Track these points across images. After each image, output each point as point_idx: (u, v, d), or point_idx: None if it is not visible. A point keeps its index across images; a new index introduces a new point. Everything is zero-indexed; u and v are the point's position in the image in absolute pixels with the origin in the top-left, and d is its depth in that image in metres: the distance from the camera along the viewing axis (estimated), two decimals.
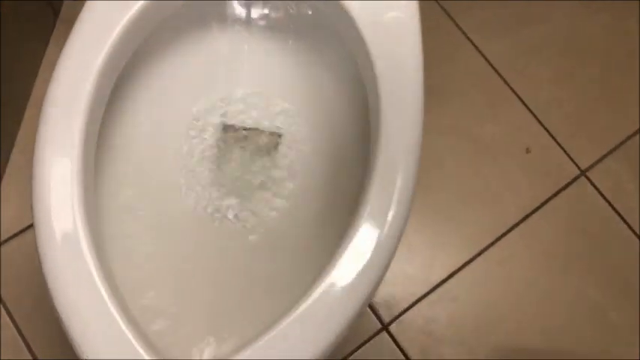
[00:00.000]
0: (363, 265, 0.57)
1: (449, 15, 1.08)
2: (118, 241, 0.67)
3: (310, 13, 0.77)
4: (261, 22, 0.78)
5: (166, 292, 0.68)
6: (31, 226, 0.88)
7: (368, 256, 0.57)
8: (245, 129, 0.79)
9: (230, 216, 0.73)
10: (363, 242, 0.58)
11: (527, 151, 1.02)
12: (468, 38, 1.07)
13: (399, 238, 0.61)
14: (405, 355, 0.89)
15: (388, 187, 0.61)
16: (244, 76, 0.80)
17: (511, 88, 1.05)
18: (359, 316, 0.57)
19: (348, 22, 0.66)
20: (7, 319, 0.85)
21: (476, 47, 1.07)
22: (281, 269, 0.72)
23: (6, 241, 0.89)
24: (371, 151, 0.65)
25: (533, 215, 0.98)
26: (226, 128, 0.79)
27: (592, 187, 1.00)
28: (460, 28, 1.08)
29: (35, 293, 0.85)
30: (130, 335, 0.53)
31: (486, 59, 1.06)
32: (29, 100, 0.96)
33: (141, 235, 0.71)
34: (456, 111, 1.02)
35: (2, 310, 0.85)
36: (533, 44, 1.08)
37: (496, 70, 1.06)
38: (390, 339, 0.90)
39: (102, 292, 0.54)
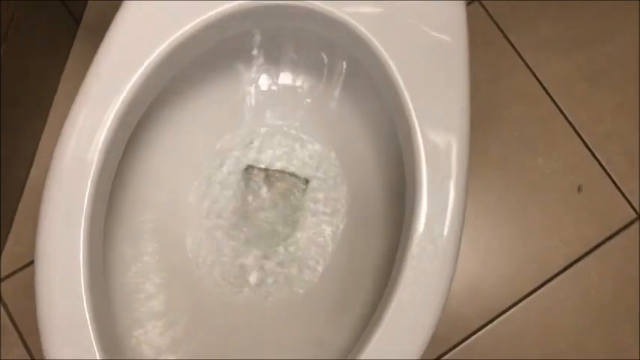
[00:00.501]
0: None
1: (502, 32, 0.99)
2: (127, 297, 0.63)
3: (345, 65, 0.70)
4: (291, 63, 0.71)
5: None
6: None
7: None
8: (270, 171, 0.74)
9: (252, 279, 0.69)
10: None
11: (580, 189, 0.93)
12: (522, 59, 0.98)
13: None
14: None
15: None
16: (270, 116, 0.74)
17: (566, 118, 0.96)
18: None
19: (387, 79, 0.59)
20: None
21: (530, 69, 0.98)
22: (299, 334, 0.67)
23: (25, 266, 0.87)
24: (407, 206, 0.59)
25: (581, 261, 0.90)
26: (249, 169, 0.74)
27: None
28: (514, 47, 0.99)
29: None
30: None
31: (541, 83, 0.97)
32: (51, 108, 0.92)
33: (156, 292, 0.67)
34: (504, 141, 0.94)
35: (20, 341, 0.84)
36: (596, 69, 0.98)
37: (551, 97, 0.97)
38: None
39: None
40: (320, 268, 0.71)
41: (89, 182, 0.55)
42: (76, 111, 0.56)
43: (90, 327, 0.51)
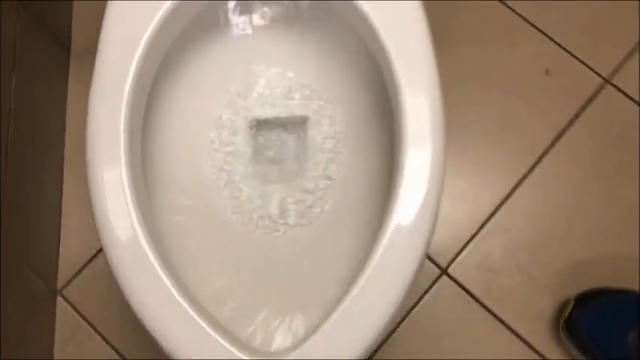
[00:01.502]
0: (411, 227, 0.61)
1: None
2: (173, 239, 0.72)
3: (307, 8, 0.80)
4: (264, 21, 0.81)
5: (230, 281, 0.74)
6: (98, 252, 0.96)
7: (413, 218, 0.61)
8: (272, 119, 0.83)
9: (274, 210, 0.78)
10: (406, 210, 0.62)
11: (547, 72, 1.02)
12: None
13: (437, 205, 0.64)
14: (469, 293, 0.93)
15: (421, 154, 0.64)
16: (258, 70, 0.83)
17: (521, 16, 1.05)
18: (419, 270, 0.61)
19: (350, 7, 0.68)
20: (105, 344, 0.93)
21: None
22: (335, 249, 0.76)
23: (81, 270, 0.96)
24: (394, 119, 0.68)
25: (566, 133, 0.99)
26: (253, 122, 0.83)
27: (619, 93, 1.01)
28: None
29: (121, 311, 0.93)
30: (216, 336, 0.58)
31: None
32: (65, 135, 1.01)
33: (192, 232, 0.76)
34: (472, 52, 1.03)
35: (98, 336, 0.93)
36: None
37: (504, 3, 1.06)
38: (451, 282, 0.94)
39: (172, 291, 0.59)
40: (330, 202, 0.79)
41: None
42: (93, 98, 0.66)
43: None
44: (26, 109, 0.88)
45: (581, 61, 1.03)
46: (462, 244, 0.95)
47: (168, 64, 0.76)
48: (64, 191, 0.98)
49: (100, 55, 0.67)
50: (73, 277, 0.95)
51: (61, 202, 0.98)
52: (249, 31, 0.82)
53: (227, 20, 0.80)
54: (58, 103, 1.01)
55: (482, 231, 0.96)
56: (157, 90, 0.76)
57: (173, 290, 0.59)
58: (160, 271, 0.60)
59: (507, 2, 1.06)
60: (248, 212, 0.78)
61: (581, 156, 0.99)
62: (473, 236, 0.96)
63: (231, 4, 0.79)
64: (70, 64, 1.04)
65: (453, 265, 0.95)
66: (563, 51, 1.03)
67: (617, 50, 1.03)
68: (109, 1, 0.69)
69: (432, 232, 0.63)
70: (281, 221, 0.77)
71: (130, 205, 0.62)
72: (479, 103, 1.01)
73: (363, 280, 0.59)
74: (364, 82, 0.81)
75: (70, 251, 0.96)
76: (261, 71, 0.82)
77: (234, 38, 0.82)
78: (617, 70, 1.02)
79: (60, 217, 0.97)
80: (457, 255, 0.95)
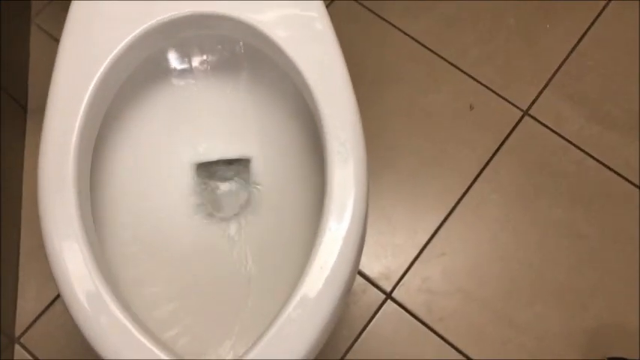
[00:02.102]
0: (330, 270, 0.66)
1: (370, 10, 1.19)
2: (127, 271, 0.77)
3: (243, 51, 0.87)
4: (204, 67, 0.88)
5: (176, 305, 0.79)
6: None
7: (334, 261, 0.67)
8: (216, 162, 0.89)
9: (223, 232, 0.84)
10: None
11: (471, 107, 1.12)
12: (393, 25, 1.18)
13: (362, 233, 0.70)
14: (413, 316, 0.99)
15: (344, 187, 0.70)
16: (204, 116, 0.90)
17: (442, 58, 1.16)
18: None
19: (273, 46, 0.77)
20: None
21: (402, 31, 1.18)
22: (271, 271, 0.82)
23: (38, 317, 0.99)
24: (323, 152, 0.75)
25: (492, 162, 1.08)
26: (200, 166, 0.89)
27: (537, 123, 1.11)
28: (383, 18, 1.19)
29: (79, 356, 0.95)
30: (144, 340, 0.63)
31: (414, 39, 1.17)
32: (22, 188, 1.06)
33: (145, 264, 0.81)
34: (399, 92, 1.13)
35: None
36: (451, 15, 1.19)
37: (425, 46, 1.16)
38: (396, 305, 0.99)
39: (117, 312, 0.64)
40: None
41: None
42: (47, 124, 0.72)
43: None
44: None
45: (501, 96, 1.13)
46: (404, 269, 1.02)
47: (112, 116, 0.82)
48: (21, 241, 1.02)
49: (47, 111, 0.73)
50: (31, 325, 0.98)
51: (18, 252, 1.01)
52: (191, 80, 0.89)
53: (168, 70, 0.87)
54: (16, 158, 1.06)
55: (422, 256, 1.03)
56: (103, 139, 0.82)
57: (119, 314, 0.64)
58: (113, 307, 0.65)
59: (428, 46, 1.16)
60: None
61: (506, 182, 1.07)
62: (413, 261, 1.02)
63: (171, 55, 0.86)
64: (27, 121, 1.10)
65: (396, 290, 1.01)
66: (484, 87, 1.13)
67: (532, 85, 1.13)
68: (58, 52, 0.76)
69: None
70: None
71: (85, 251, 0.67)
72: (411, 138, 1.10)
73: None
74: (295, 120, 0.88)
75: (28, 299, 0.99)
76: (204, 118, 0.90)
77: (177, 88, 0.89)
78: (533, 102, 1.12)
79: (17, 267, 1.00)
80: (400, 279, 1.01)
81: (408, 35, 1.17)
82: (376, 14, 1.19)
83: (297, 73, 0.75)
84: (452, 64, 1.15)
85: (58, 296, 0.99)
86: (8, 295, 0.98)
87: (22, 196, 1.05)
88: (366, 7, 1.19)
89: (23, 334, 0.97)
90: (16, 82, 1.10)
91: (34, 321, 0.98)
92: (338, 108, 0.74)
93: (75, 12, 0.78)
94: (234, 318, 0.78)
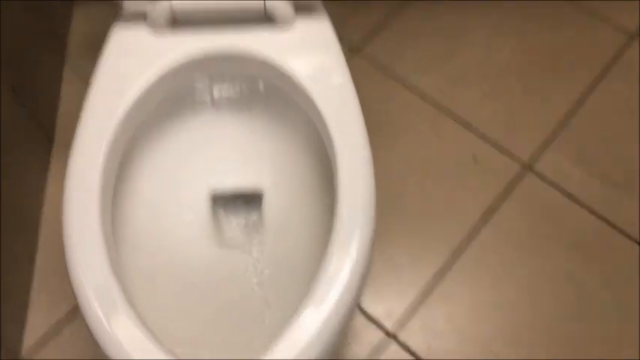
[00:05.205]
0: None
1: (377, 66, 1.26)
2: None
3: (263, 89, 0.93)
4: (224, 103, 0.94)
5: (192, 331, 0.81)
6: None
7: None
8: (230, 194, 0.93)
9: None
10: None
11: (475, 159, 1.17)
12: (400, 82, 1.25)
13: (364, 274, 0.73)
14: (414, 355, 1.00)
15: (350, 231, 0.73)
16: (221, 149, 0.95)
17: (448, 113, 1.21)
18: None
19: (297, 90, 0.83)
20: None
21: (409, 87, 1.24)
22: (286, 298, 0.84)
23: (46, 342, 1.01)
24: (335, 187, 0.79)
25: (496, 212, 1.12)
26: (216, 198, 0.93)
27: (538, 177, 1.15)
28: (392, 76, 1.26)
29: None
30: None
31: (421, 94, 1.23)
32: (41, 218, 1.10)
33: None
34: (407, 142, 1.18)
35: None
36: (457, 73, 1.26)
37: (431, 101, 1.22)
38: (397, 346, 1.01)
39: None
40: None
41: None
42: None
43: None
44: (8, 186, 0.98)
45: (504, 150, 1.17)
46: (407, 310, 1.04)
47: (133, 146, 0.86)
48: (35, 270, 1.05)
49: (76, 136, 0.78)
50: (38, 349, 1.00)
51: (31, 278, 1.04)
52: (209, 114, 0.94)
53: (190, 104, 0.92)
54: (38, 183, 1.10)
55: (428, 299, 1.05)
56: (124, 169, 0.86)
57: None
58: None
59: (435, 100, 1.22)
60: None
61: (508, 231, 1.10)
62: (416, 303, 1.04)
63: (194, 89, 0.91)
64: (53, 151, 1.15)
65: (398, 330, 1.02)
66: (487, 141, 1.18)
67: (536, 140, 1.18)
68: (90, 83, 0.82)
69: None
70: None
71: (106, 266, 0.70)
72: (417, 186, 1.14)
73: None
74: (308, 155, 0.92)
75: (37, 323, 1.01)
76: (221, 151, 0.95)
77: (196, 121, 0.94)
78: (536, 157, 1.17)
79: (29, 293, 1.03)
80: (402, 320, 1.03)
81: (415, 90, 1.24)
82: (383, 70, 1.26)
83: (317, 113, 0.81)
84: (457, 119, 1.21)
85: (68, 320, 1.01)
86: (17, 316, 1.00)
87: (39, 223, 1.09)
88: (376, 63, 1.26)
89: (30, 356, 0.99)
90: (46, 113, 1.15)
91: (42, 344, 1.00)
92: (352, 149, 0.78)
93: (111, 46, 0.85)
94: (251, 342, 0.81)
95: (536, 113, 1.21)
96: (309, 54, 0.86)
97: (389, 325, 1.02)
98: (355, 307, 0.74)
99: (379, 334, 1.02)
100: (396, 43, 1.28)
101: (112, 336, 0.66)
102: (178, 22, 0.87)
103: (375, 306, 1.03)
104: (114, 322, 0.67)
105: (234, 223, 0.94)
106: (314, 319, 0.66)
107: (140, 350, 0.65)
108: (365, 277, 0.73)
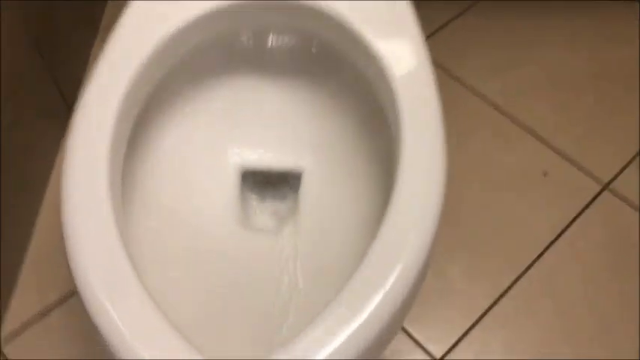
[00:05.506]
0: None
1: (442, 67, 1.13)
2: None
3: (315, 51, 0.80)
4: (268, 67, 0.80)
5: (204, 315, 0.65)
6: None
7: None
8: (264, 172, 0.80)
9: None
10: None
11: (545, 174, 1.02)
12: (465, 85, 1.11)
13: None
14: None
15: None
16: (259, 120, 0.82)
17: (516, 123, 1.07)
18: None
19: (363, 52, 0.68)
20: None
21: (474, 91, 1.11)
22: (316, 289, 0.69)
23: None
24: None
25: (565, 233, 0.96)
26: (246, 174, 0.79)
27: (617, 199, 0.99)
28: (456, 78, 1.13)
29: None
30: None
31: (487, 101, 1.10)
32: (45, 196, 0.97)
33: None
34: (468, 152, 1.03)
35: None
36: (526, 81, 1.12)
37: (498, 109, 1.09)
38: None
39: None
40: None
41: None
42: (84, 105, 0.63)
43: None
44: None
45: (579, 167, 1.02)
46: (459, 335, 0.87)
47: (160, 101, 0.74)
48: (30, 246, 0.91)
49: (87, 86, 0.63)
50: (18, 333, 0.85)
51: (23, 256, 0.91)
52: (250, 79, 0.81)
53: (229, 64, 0.80)
54: (47, 158, 0.98)
55: (480, 324, 0.88)
56: (145, 127, 0.73)
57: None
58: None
59: (502, 108, 1.08)
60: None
61: (580, 255, 0.94)
62: (469, 328, 0.87)
63: (234, 45, 0.78)
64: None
65: (448, 357, 0.85)
66: (559, 156, 1.03)
67: (614, 158, 1.03)
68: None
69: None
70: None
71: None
72: (477, 197, 0.99)
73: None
74: (358, 134, 0.78)
75: (22, 306, 0.87)
76: (259, 122, 0.81)
77: (235, 86, 0.81)
78: (615, 176, 1.01)
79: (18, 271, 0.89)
80: (453, 346, 0.86)
81: (480, 94, 1.10)
82: (449, 73, 1.13)
83: (385, 82, 0.65)
84: (525, 129, 1.06)
85: (55, 307, 0.87)
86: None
87: (42, 200, 0.96)
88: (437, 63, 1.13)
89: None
90: (68, 80, 1.04)
91: (23, 328, 0.85)
92: (423, 128, 0.63)
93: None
94: (272, 335, 0.65)
95: (613, 129, 1.06)
96: (383, 15, 0.70)
97: (436, 350, 0.86)
98: (399, 320, 0.58)
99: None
100: (460, 42, 1.16)
101: (121, 325, 0.50)
102: None
103: (420, 327, 0.87)
104: (121, 305, 0.51)
105: (265, 204, 0.80)
106: (345, 321, 0.51)
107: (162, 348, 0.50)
108: (417, 287, 0.57)
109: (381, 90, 0.68)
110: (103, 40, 0.68)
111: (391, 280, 0.53)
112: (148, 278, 0.55)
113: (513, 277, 0.92)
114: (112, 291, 0.52)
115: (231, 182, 0.77)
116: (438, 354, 0.85)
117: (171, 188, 0.75)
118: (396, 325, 0.60)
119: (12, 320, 0.85)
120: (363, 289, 0.52)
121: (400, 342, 0.86)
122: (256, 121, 0.81)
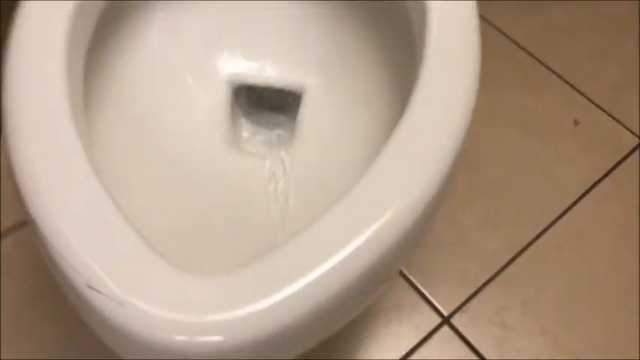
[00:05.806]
0: None
1: None
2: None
3: None
4: None
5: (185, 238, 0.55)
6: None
7: None
8: (259, 87, 0.69)
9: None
10: None
11: (576, 123, 0.91)
12: (492, 24, 1.00)
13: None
14: (474, 350, 0.73)
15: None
16: (257, 28, 0.71)
17: (546, 67, 0.96)
18: None
19: None
20: None
21: (502, 32, 1.00)
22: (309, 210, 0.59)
23: None
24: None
25: (598, 186, 0.85)
26: (239, 90, 0.69)
27: None
28: (482, 17, 1.01)
29: None
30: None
31: (515, 42, 0.99)
32: None
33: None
34: (490, 90, 0.92)
35: None
36: (560, 24, 1.01)
37: (527, 51, 0.98)
38: (454, 333, 0.74)
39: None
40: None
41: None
42: None
43: None
44: None
45: (614, 118, 0.91)
46: (471, 291, 0.77)
47: None
48: None
49: None
50: None
51: None
52: None
53: None
54: None
55: (498, 279, 0.78)
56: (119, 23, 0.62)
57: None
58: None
59: (530, 51, 0.97)
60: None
61: (611, 211, 0.84)
62: (486, 283, 0.77)
63: None
64: None
65: (457, 315, 0.75)
66: (594, 105, 0.92)
67: None
68: None
69: None
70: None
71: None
72: (499, 142, 0.88)
73: None
74: (371, 49, 0.68)
75: None
76: (257, 30, 0.70)
77: None
78: None
79: None
80: (465, 303, 0.76)
81: (509, 37, 0.99)
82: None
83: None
84: (557, 74, 0.95)
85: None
86: None
87: None
88: None
89: None
90: None
91: None
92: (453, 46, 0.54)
93: None
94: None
95: None
96: None
97: (445, 306, 0.75)
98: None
99: (432, 317, 0.75)
100: None
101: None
102: None
103: (427, 279, 0.77)
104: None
105: (258, 127, 0.69)
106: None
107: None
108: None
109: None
110: None
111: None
112: (113, 183, 0.45)
113: (536, 233, 0.81)
114: (61, 180, 0.41)
115: (220, 94, 0.67)
116: (447, 311, 0.75)
117: (150, 90, 0.64)
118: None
119: None
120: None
121: (403, 294, 0.75)
122: (257, 30, 0.70)
